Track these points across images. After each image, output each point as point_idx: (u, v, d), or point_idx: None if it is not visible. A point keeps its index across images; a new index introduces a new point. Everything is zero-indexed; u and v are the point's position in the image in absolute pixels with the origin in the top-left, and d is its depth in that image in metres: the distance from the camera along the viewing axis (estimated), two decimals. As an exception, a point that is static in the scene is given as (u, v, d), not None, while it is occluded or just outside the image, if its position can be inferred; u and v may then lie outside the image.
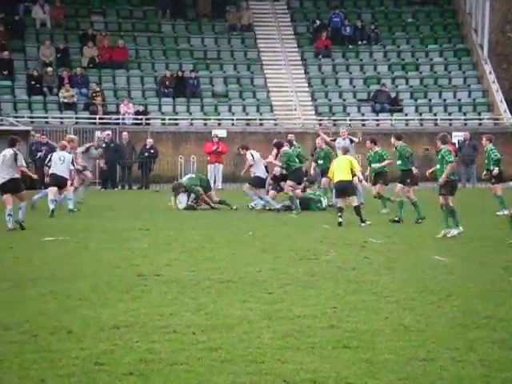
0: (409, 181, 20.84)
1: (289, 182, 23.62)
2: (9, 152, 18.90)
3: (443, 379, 7.33)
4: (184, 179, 25.72)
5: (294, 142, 26.22)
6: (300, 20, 43.62)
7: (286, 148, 24.48)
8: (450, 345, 8.42)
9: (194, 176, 25.76)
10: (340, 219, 19.69)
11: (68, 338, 8.57)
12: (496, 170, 22.16)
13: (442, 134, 18.63)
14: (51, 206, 22.28)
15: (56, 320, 9.41)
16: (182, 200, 24.60)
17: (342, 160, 20.54)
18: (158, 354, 7.96)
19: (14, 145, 19.24)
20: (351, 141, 25.70)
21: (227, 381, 7.19)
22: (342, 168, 20.16)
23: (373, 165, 23.61)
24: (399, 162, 21.24)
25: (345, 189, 20.07)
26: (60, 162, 23.32)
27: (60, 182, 23.26)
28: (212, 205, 24.71)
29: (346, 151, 21.14)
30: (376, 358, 7.91)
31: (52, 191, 22.88)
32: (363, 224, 19.71)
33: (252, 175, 25.04)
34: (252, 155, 25.14)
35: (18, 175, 18.99)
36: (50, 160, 23.87)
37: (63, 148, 23.99)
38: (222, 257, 14.50)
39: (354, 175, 20.47)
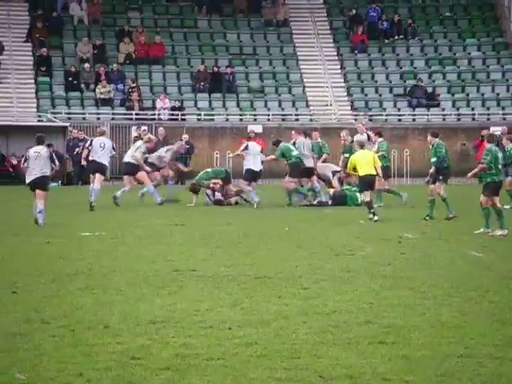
0: (441, 178, 20.60)
1: (286, 177, 23.81)
2: (43, 150, 18.90)
3: (481, 376, 7.27)
4: (198, 175, 25.69)
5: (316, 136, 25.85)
6: (336, 15, 43.46)
7: (283, 143, 24.41)
8: (487, 341, 8.35)
9: (209, 170, 25.71)
10: (372, 215, 19.59)
11: (105, 333, 8.63)
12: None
13: (489, 133, 18.55)
14: (93, 198, 22.49)
15: (93, 314, 9.47)
16: (207, 195, 24.64)
17: (366, 154, 20.62)
18: (194, 349, 7.98)
19: (44, 142, 19.25)
20: (368, 137, 25.53)
21: (263, 376, 7.19)
22: (368, 162, 20.26)
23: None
24: (433, 160, 20.97)
25: (372, 182, 20.26)
26: (100, 149, 23.51)
27: (99, 169, 23.53)
28: (233, 198, 24.52)
29: (362, 145, 21.21)
30: (413, 354, 7.87)
31: (98, 180, 23.02)
32: (375, 218, 19.57)
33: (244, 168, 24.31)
34: (247, 146, 24.44)
35: (49, 173, 18.97)
36: (90, 144, 23.91)
37: (102, 134, 24.23)
38: (257, 252, 14.50)
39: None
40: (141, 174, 24.17)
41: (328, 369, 7.39)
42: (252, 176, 24.20)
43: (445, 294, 10.80)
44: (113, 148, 23.88)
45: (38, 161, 18.70)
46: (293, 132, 25.78)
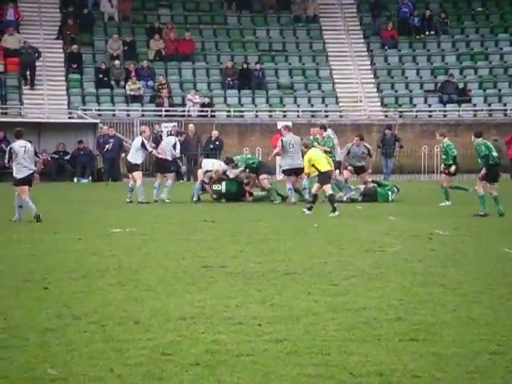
0: (485, 176, 20.25)
1: (262, 175, 23.78)
2: (27, 144, 18.79)
3: (512, 373, 7.22)
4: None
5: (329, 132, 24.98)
6: (366, 10, 43.29)
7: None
8: (519, 339, 8.29)
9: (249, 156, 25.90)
10: (333, 209, 20.04)
11: (135, 328, 8.66)
12: (453, 168, 22.80)
13: None
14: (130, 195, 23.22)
15: (123, 310, 9.52)
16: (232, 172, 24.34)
17: (319, 151, 21.30)
18: (224, 345, 7.99)
19: (22, 136, 19.05)
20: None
21: (293, 372, 7.19)
22: (325, 158, 20.82)
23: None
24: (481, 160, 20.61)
25: (330, 177, 20.87)
26: (133, 148, 24.16)
27: (130, 169, 23.99)
28: (253, 193, 24.45)
29: (306, 146, 22.09)
30: (444, 351, 7.82)
31: (137, 178, 23.47)
32: (337, 213, 19.80)
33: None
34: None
35: (34, 168, 18.93)
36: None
37: (140, 133, 24.81)
38: (287, 248, 14.50)
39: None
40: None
41: (358, 366, 7.37)
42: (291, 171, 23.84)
43: (476, 290, 10.73)
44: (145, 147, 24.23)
45: (26, 155, 18.60)
46: (281, 128, 25.47)
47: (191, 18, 42.55)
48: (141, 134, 25.19)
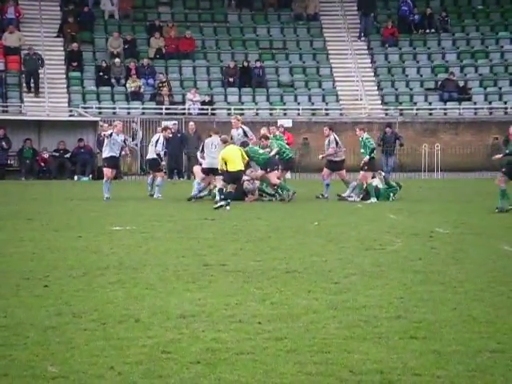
0: (503, 170, 20.21)
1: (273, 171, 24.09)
2: None
3: (513, 371, 7.21)
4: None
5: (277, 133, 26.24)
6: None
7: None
8: (519, 337, 8.28)
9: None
10: (223, 203, 20.87)
11: (136, 327, 8.66)
12: (367, 158, 23.61)
13: None
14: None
15: (124, 308, 9.52)
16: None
17: (233, 149, 21.81)
18: (224, 344, 7.99)
19: None
20: (244, 132, 25.13)
21: (293, 370, 7.19)
22: (237, 157, 21.45)
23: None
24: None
25: (239, 177, 21.85)
26: (151, 146, 25.14)
27: (151, 166, 24.99)
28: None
29: (225, 141, 22.52)
30: (444, 349, 7.82)
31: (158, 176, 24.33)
32: (227, 208, 20.75)
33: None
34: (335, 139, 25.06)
35: None
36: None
37: (161, 131, 25.59)
38: (287, 247, 14.50)
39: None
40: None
41: (358, 363, 7.37)
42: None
43: (476, 288, 10.73)
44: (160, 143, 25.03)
45: None
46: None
47: (191, 15, 42.55)
48: (163, 132, 25.65)
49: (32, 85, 37.81)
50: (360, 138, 24.29)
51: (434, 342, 8.10)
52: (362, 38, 42.02)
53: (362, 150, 24.12)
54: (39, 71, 37.72)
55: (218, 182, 22.69)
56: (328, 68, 40.89)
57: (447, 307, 9.65)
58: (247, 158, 22.36)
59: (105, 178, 24.30)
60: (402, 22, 42.16)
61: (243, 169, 21.95)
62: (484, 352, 7.73)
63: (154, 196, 24.79)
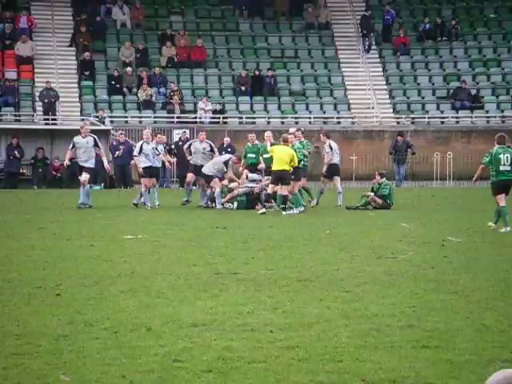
0: None
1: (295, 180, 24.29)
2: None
3: (526, 381, 7.16)
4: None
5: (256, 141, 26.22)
6: (378, 17, 43.28)
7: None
8: (532, 346, 8.23)
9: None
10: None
11: (147, 335, 8.66)
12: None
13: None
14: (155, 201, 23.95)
15: (135, 317, 9.51)
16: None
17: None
18: (236, 352, 7.98)
19: None
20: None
21: (305, 379, 7.17)
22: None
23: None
24: None
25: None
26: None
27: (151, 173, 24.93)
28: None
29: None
30: (457, 359, 7.79)
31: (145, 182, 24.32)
32: (284, 212, 21.71)
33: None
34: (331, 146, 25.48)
35: None
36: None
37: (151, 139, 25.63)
38: (299, 255, 14.47)
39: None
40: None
41: (370, 373, 7.34)
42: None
43: (489, 297, 10.68)
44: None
45: None
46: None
47: (203, 24, 42.62)
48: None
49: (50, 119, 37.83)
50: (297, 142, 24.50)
51: (446, 351, 8.06)
52: (373, 47, 42.04)
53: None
54: (55, 106, 37.65)
55: (217, 185, 23.18)
56: (340, 76, 40.90)
57: (460, 316, 9.61)
58: (296, 163, 22.60)
59: (143, 189, 24.34)
60: (385, 31, 42.15)
61: (288, 169, 22.21)
62: (496, 361, 7.69)
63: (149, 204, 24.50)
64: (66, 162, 25.14)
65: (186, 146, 26.00)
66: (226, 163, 24.81)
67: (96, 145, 24.55)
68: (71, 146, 24.62)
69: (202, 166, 24.88)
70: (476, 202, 23.50)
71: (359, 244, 15.98)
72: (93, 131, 35.83)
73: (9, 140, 34.66)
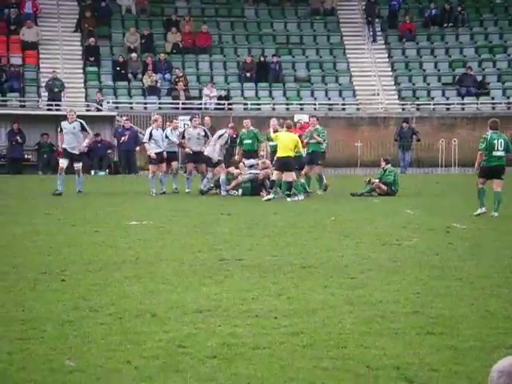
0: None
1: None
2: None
3: (530, 368, 7.16)
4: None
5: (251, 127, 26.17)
6: (383, 3, 43.13)
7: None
8: (537, 333, 8.24)
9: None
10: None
11: (152, 321, 8.68)
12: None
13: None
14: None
15: (140, 303, 9.53)
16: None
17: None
18: (241, 338, 7.99)
19: None
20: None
21: (309, 365, 7.18)
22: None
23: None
24: None
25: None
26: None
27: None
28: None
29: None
30: (461, 345, 7.79)
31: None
32: (289, 199, 21.83)
33: None
34: None
35: None
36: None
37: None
38: (303, 242, 14.48)
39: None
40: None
41: (375, 359, 7.35)
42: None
43: (494, 284, 10.68)
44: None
45: None
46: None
47: (208, 10, 42.51)
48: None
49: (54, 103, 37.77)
50: (312, 128, 24.60)
51: (450, 337, 8.07)
52: (379, 33, 41.90)
53: (313, 141, 24.58)
54: (60, 97, 37.54)
55: (222, 171, 23.16)
56: (345, 63, 40.79)
57: (464, 302, 9.61)
58: (301, 151, 22.93)
59: (150, 174, 24.39)
60: (391, 17, 41.98)
61: (292, 156, 22.32)
62: (501, 348, 7.69)
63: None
64: (62, 146, 25.16)
65: (178, 133, 26.15)
66: (221, 136, 24.97)
67: (83, 129, 24.50)
68: (59, 129, 24.70)
69: (198, 152, 24.94)
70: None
71: (364, 231, 15.98)
72: (98, 117, 36.03)
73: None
